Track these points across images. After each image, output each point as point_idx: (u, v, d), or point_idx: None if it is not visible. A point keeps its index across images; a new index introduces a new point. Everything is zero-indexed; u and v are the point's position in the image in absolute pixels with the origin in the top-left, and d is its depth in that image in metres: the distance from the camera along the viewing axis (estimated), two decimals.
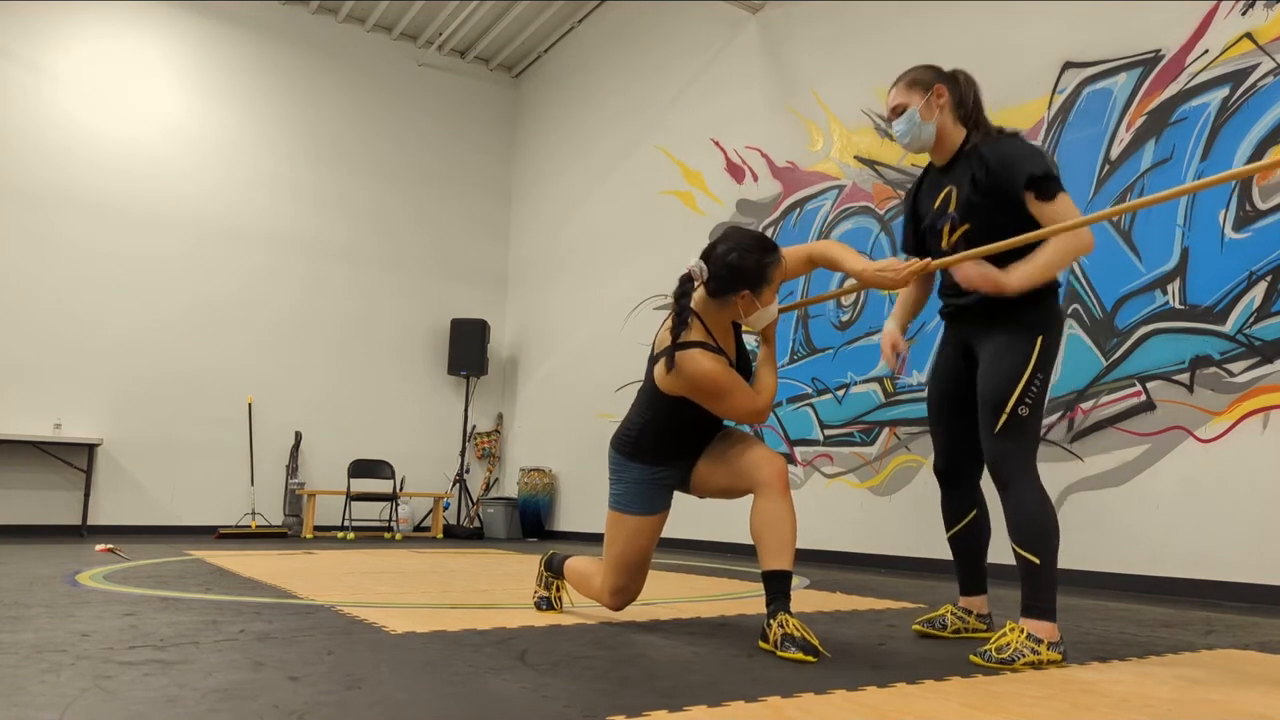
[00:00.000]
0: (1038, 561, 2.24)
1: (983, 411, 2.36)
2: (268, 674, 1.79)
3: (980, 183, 2.39)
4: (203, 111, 8.07)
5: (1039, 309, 2.36)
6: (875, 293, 5.60)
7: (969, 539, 2.61)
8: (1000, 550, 2.63)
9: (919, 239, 2.63)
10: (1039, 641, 2.16)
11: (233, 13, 8.30)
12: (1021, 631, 2.17)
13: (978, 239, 2.39)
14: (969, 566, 2.62)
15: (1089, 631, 2.75)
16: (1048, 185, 2.30)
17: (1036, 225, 2.31)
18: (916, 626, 2.62)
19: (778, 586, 2.27)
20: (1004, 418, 2.30)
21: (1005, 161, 2.35)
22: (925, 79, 2.53)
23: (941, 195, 2.50)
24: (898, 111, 2.54)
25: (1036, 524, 2.27)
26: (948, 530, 2.63)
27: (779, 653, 2.12)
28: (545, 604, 2.92)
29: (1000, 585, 3.32)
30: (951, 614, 2.60)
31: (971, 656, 2.17)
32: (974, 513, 2.60)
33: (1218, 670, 2.14)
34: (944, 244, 2.48)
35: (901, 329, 2.70)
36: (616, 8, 8.52)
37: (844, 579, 4.47)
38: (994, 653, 2.13)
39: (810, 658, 2.08)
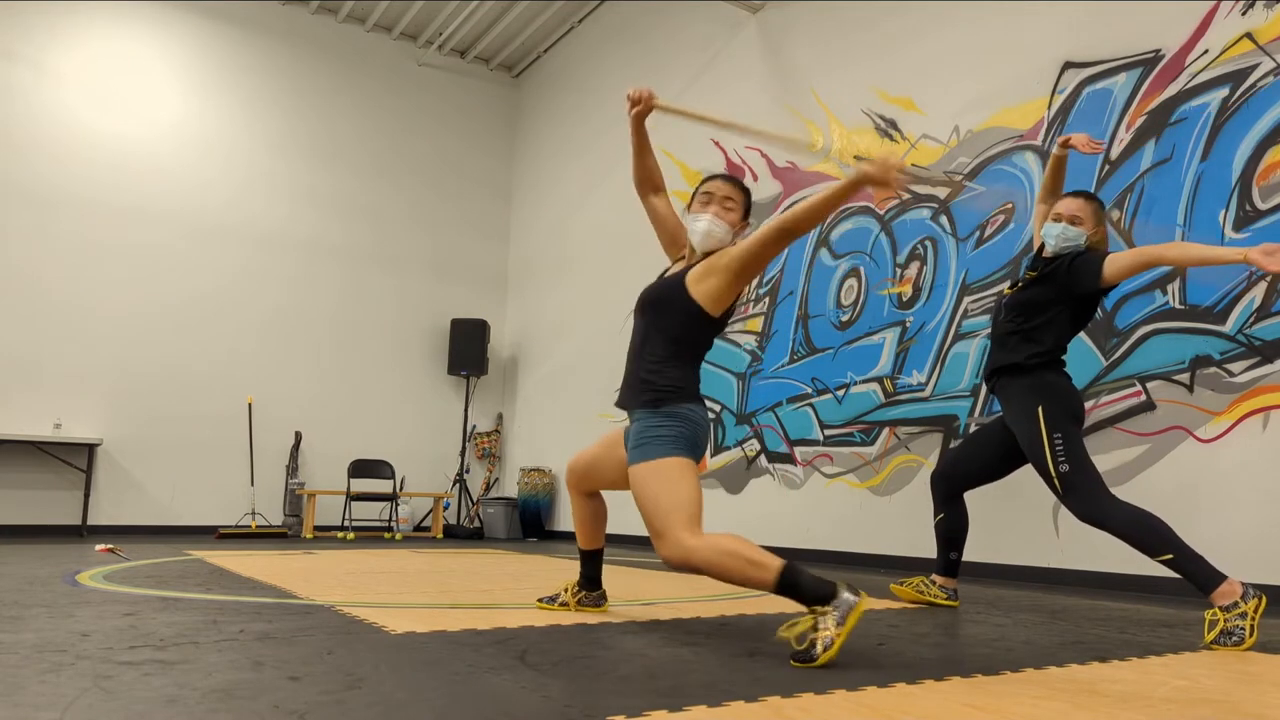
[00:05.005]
0: (1173, 556, 2.58)
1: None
2: (268, 674, 1.79)
3: (1055, 272, 3.02)
4: (203, 112, 8.07)
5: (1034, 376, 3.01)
6: (875, 294, 5.60)
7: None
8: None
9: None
10: (1233, 606, 2.46)
11: (233, 12, 8.30)
12: (1221, 609, 2.48)
13: (1018, 299, 3.11)
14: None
15: (1089, 631, 2.75)
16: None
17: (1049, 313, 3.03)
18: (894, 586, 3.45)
19: (788, 596, 2.16)
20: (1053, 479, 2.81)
21: (1081, 264, 2.96)
22: (1100, 216, 3.07)
23: (1036, 270, 3.12)
24: (1073, 222, 3.01)
25: (1145, 529, 2.64)
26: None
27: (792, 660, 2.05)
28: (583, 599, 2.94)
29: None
30: (922, 582, 3.38)
31: (1213, 647, 2.45)
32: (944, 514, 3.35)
33: (1218, 670, 2.14)
34: (1007, 290, 3.19)
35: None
36: (616, 7, 8.52)
37: (844, 579, 4.46)
38: (1225, 638, 2.43)
39: (801, 664, 2.01)
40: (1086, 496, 2.71)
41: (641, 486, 2.40)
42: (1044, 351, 3.00)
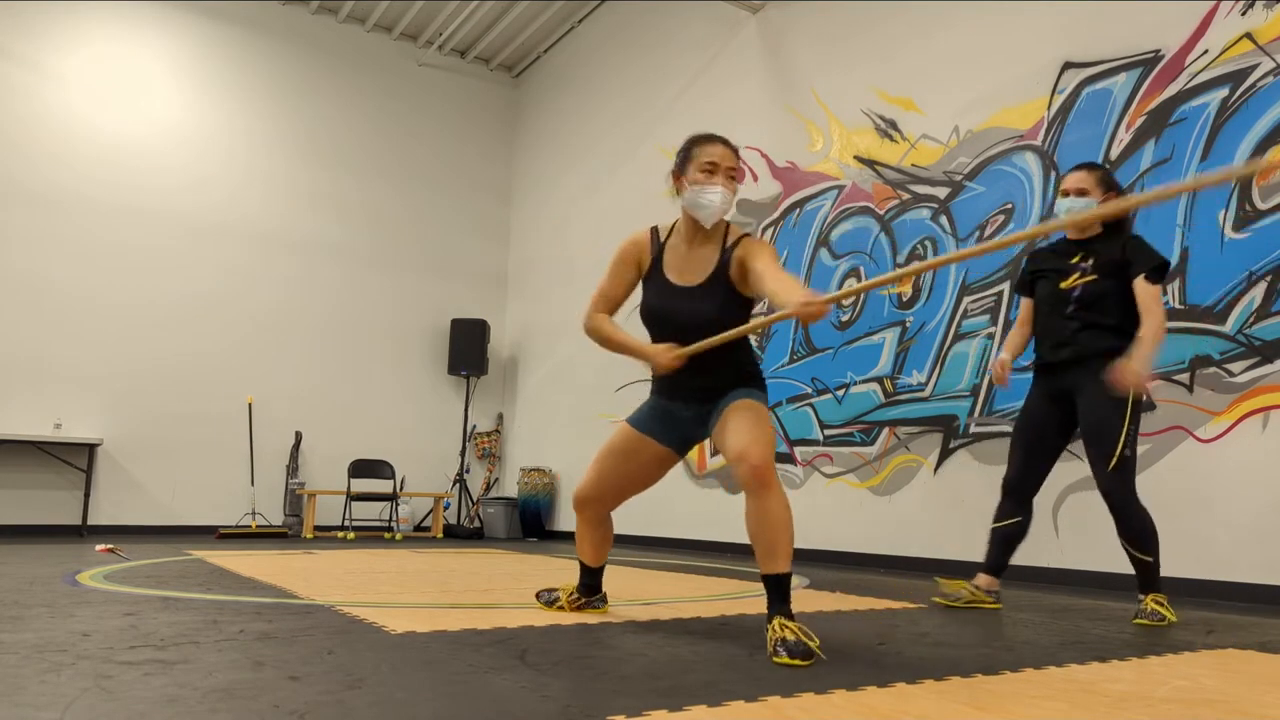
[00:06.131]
0: (1153, 561, 3.03)
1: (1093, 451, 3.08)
2: (268, 674, 1.79)
3: (1115, 261, 3.10)
4: (203, 112, 8.07)
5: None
6: (875, 292, 5.60)
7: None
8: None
9: (1033, 283, 3.36)
10: (1159, 602, 3.01)
11: (233, 13, 8.30)
12: (1154, 600, 3.01)
13: (1094, 292, 3.13)
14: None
15: (1089, 631, 2.75)
16: (1158, 275, 3.05)
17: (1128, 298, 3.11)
18: (936, 598, 3.36)
19: (772, 590, 2.28)
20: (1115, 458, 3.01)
21: (1136, 253, 3.08)
22: (1109, 183, 3.18)
23: (1078, 257, 3.19)
24: (1080, 194, 3.14)
25: (1147, 530, 3.02)
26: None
27: (774, 659, 2.11)
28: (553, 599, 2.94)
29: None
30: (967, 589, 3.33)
31: (1135, 620, 2.97)
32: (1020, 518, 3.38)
33: (1218, 670, 2.14)
34: (1065, 285, 3.18)
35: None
36: (616, 8, 8.52)
37: (844, 579, 4.47)
38: (1152, 617, 2.94)
39: (803, 662, 2.04)
40: (1128, 480, 3.02)
41: (753, 414, 2.45)
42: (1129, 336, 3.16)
